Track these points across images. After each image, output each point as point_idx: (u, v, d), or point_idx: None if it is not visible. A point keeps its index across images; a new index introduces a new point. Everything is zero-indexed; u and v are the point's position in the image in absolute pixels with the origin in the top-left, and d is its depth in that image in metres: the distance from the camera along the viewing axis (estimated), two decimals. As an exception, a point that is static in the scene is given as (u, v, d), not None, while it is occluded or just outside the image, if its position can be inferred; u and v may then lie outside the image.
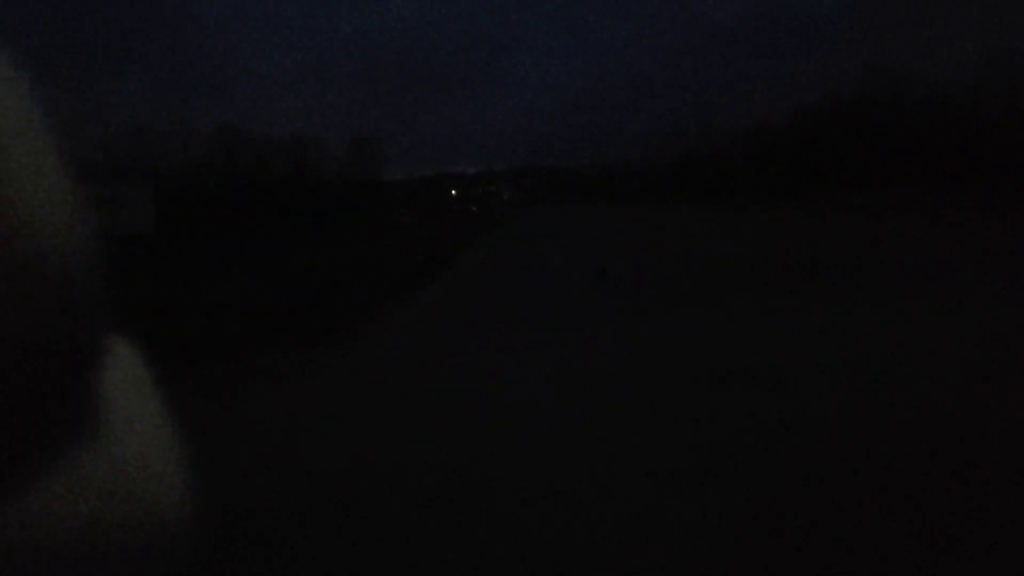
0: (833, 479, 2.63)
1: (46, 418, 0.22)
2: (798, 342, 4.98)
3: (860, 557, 2.08)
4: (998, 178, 33.48)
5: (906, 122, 45.84)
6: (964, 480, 2.55)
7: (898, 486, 2.54)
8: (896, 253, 10.82)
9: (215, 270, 13.86)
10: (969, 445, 2.90)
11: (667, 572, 2.06)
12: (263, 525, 2.50)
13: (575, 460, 2.96)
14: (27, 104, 0.21)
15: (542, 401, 3.87)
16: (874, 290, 7.13)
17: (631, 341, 5.33)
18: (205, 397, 4.29)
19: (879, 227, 17.00)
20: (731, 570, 2.06)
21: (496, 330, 6.15)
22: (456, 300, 8.39)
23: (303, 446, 3.36)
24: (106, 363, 0.26)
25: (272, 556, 2.29)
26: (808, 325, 5.54)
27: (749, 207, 38.67)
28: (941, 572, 1.99)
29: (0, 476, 0.21)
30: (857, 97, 51.32)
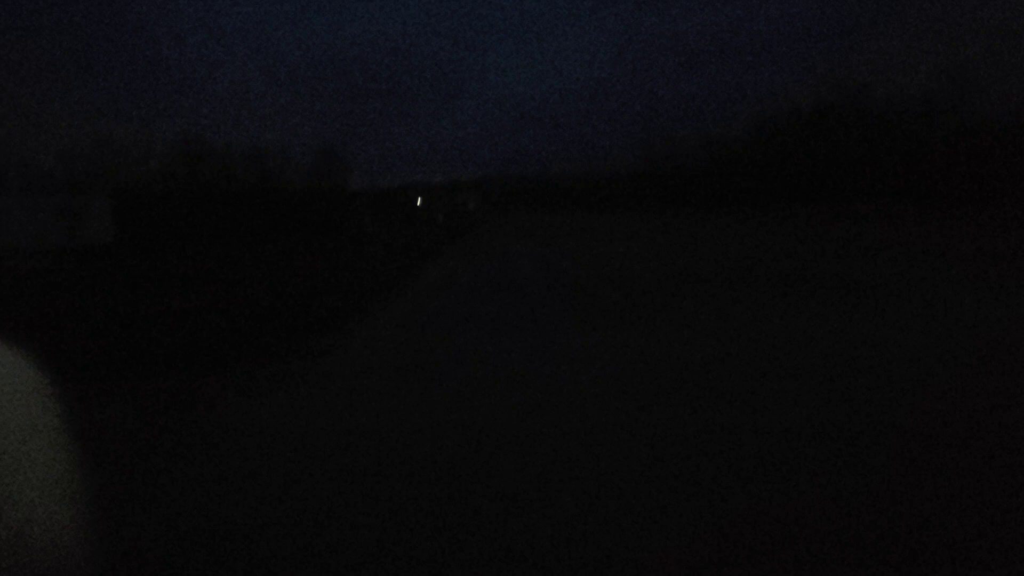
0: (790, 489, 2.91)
1: None
2: (758, 348, 5.30)
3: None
4: (952, 186, 34.72)
5: (862, 132, 47.13)
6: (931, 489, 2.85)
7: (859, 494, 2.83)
8: (853, 261, 11.30)
9: (175, 281, 13.80)
10: (934, 450, 3.21)
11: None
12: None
13: (537, 464, 3.22)
14: None
15: (506, 417, 4.10)
16: (831, 297, 7.52)
17: (594, 348, 5.60)
18: (149, 413, 4.38)
19: (837, 234, 17.58)
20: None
21: (462, 342, 6.36)
22: (420, 315, 8.54)
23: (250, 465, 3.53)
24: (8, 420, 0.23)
25: None
26: (769, 331, 5.87)
27: (709, 214, 39.41)
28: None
29: None
30: (814, 107, 52.61)
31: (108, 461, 3.25)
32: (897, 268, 9.82)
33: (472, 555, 2.30)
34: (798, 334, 5.60)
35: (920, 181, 38.39)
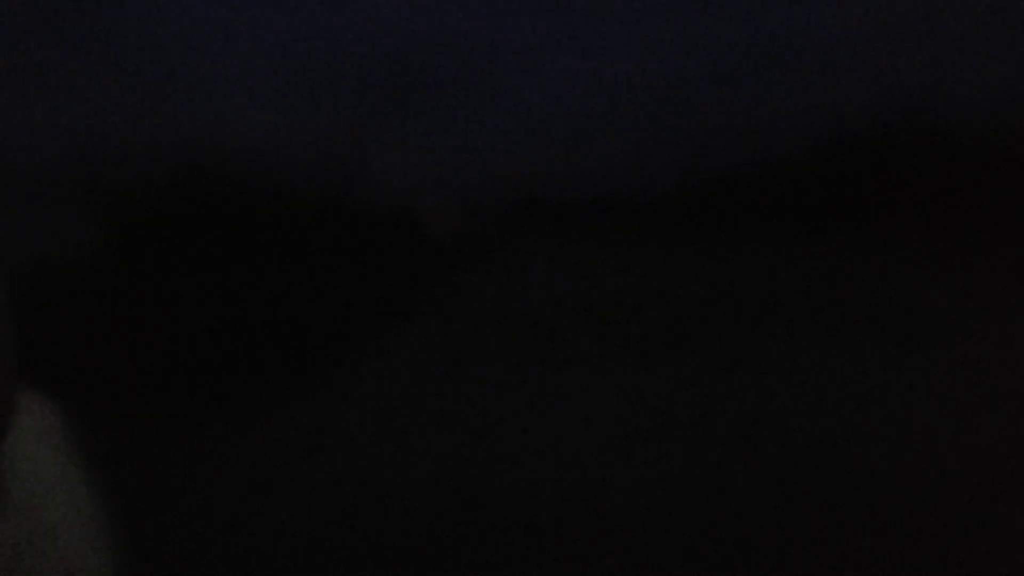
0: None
1: None
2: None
3: None
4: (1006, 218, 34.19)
5: (920, 157, 46.73)
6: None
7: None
8: (905, 292, 10.88)
9: (180, 294, 13.52)
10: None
11: None
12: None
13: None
14: None
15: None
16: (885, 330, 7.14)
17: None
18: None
19: (890, 265, 17.13)
20: None
21: (478, 368, 6.05)
22: (433, 336, 8.26)
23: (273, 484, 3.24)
24: (14, 422, 0.24)
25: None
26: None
27: (762, 239, 38.96)
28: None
29: None
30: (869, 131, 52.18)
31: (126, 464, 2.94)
32: (952, 301, 9.41)
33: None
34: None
35: (975, 209, 37.75)
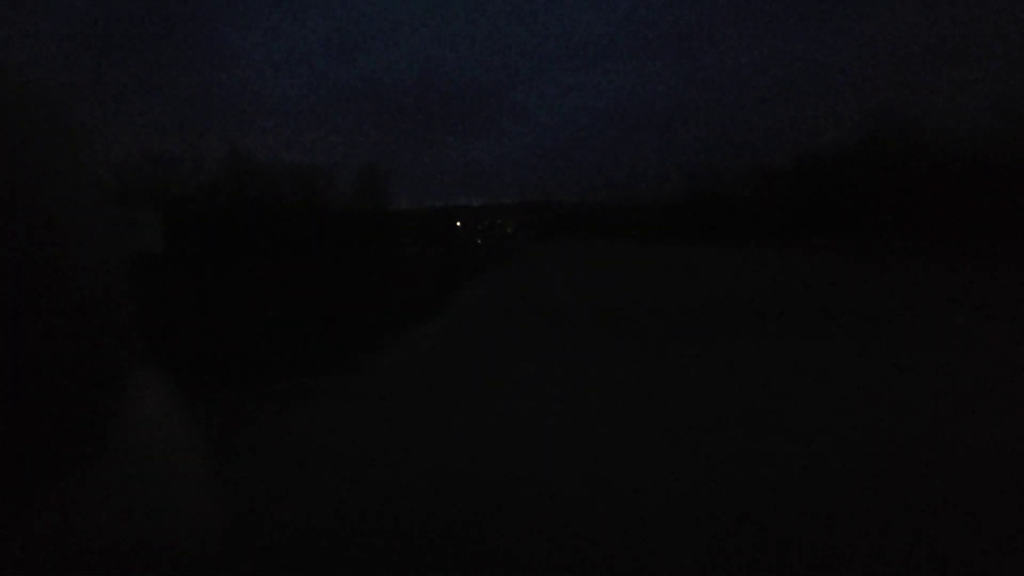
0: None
1: (71, 435, 0.21)
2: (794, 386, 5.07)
3: None
4: (1003, 223, 33.67)
5: (913, 168, 46.17)
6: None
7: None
8: (898, 298, 10.91)
9: (223, 292, 13.99)
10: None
11: None
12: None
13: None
14: (63, 125, 0.21)
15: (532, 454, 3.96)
16: (871, 334, 7.22)
17: (629, 379, 5.42)
18: (220, 420, 4.41)
19: (883, 271, 17.10)
20: None
21: (496, 367, 6.25)
22: (456, 337, 8.47)
23: (312, 464, 3.47)
24: (133, 385, 0.26)
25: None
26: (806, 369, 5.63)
27: (756, 246, 38.91)
28: None
29: (27, 489, 0.21)
30: (863, 141, 51.72)
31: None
32: (948, 308, 9.42)
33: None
34: (838, 374, 5.34)
35: (969, 217, 37.34)
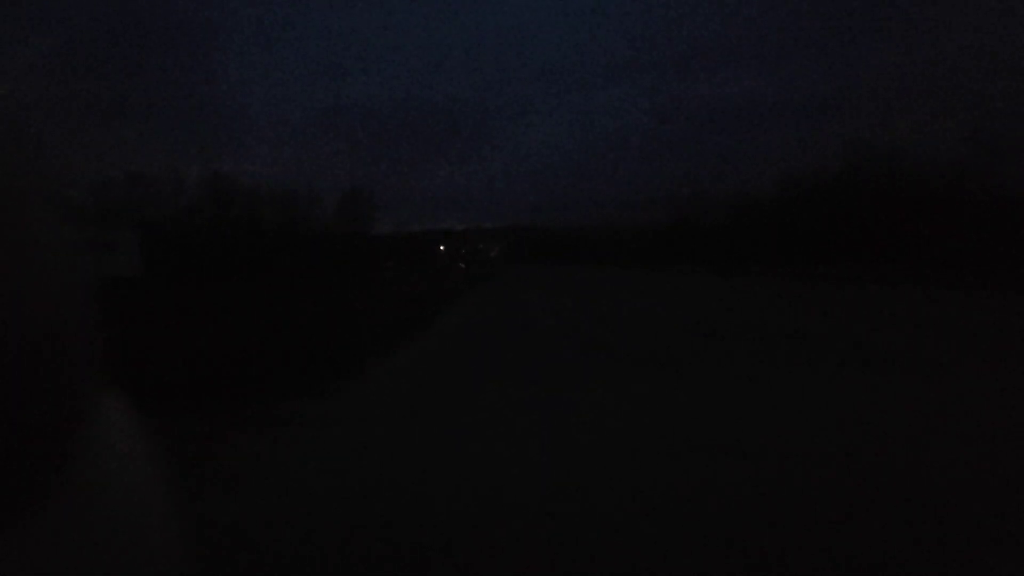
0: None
1: (33, 468, 0.20)
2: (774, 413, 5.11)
3: None
4: (981, 252, 34.28)
5: (891, 197, 46.92)
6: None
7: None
8: (878, 325, 11.05)
9: (202, 315, 13.84)
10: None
11: None
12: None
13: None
14: (20, 147, 0.20)
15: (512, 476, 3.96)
16: (854, 362, 7.30)
17: (614, 405, 5.44)
18: (192, 444, 4.35)
19: (863, 298, 17.32)
20: None
21: (475, 392, 6.24)
22: (435, 362, 8.46)
23: (293, 484, 3.44)
24: (96, 415, 0.25)
25: None
26: (785, 395, 5.68)
27: (743, 274, 39.27)
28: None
29: None
30: (843, 171, 52.59)
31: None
32: (921, 335, 9.56)
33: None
34: (813, 401, 5.39)
35: (948, 247, 37.96)
